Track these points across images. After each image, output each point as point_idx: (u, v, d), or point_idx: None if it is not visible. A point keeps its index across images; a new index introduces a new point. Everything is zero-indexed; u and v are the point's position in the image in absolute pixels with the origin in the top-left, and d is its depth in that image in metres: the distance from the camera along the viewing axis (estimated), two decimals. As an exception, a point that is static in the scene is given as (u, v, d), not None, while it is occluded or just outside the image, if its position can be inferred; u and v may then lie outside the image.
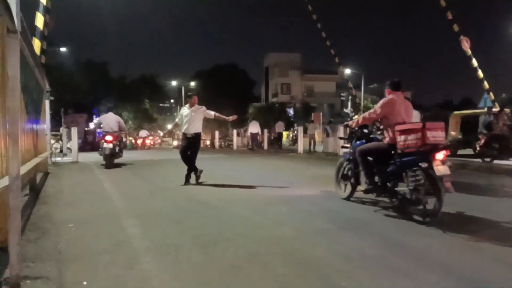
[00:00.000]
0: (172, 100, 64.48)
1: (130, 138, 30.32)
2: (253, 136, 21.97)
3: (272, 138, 24.46)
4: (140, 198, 5.99)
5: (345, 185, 5.84)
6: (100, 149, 11.36)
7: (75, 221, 4.30)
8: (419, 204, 4.47)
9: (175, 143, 27.53)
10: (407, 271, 2.83)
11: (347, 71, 37.76)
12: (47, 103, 9.43)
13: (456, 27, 17.08)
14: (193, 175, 7.39)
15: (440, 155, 4.35)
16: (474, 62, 17.25)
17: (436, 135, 4.46)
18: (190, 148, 7.43)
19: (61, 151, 16.65)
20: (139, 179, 8.45)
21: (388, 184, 4.94)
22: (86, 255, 3.18)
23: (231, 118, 7.80)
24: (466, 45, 17.08)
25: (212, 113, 7.75)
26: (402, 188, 4.71)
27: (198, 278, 2.72)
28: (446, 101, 59.17)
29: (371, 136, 5.48)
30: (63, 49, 32.79)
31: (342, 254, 3.19)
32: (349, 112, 31.07)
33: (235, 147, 24.07)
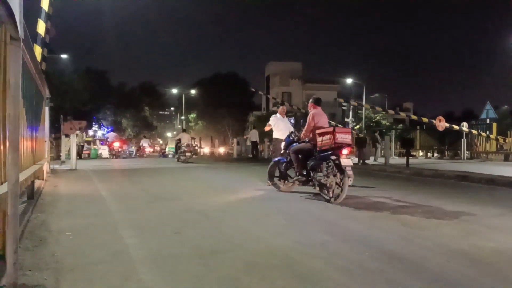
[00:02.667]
0: (172, 108, 64.64)
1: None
2: (254, 144, 22.06)
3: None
4: (138, 207, 5.96)
5: (285, 181, 7.39)
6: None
7: (73, 230, 4.28)
8: (330, 187, 6.06)
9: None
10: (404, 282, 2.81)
11: (349, 80, 37.93)
12: (46, 110, 9.42)
13: (425, 119, 19.20)
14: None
15: (345, 151, 5.95)
16: (457, 126, 18.75)
17: (343, 137, 6.03)
18: None
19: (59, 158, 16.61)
20: (137, 189, 8.42)
21: (311, 174, 6.60)
22: (83, 265, 3.15)
23: None
24: (441, 124, 18.47)
25: None
26: (320, 177, 6.35)
27: (196, 289, 2.70)
28: (447, 113, 59.40)
29: (301, 141, 7.06)
30: (63, 56, 32.91)
31: (341, 266, 3.17)
32: (350, 121, 31.17)
33: (235, 155, 24.04)
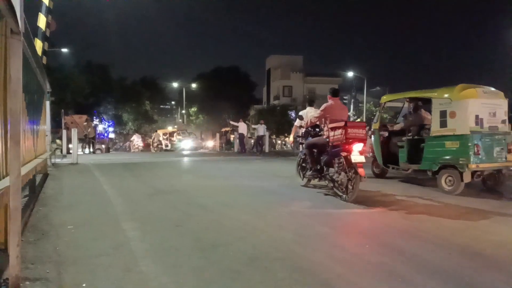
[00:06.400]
0: (173, 102, 64.53)
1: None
2: (241, 137, 20.91)
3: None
4: (139, 200, 5.98)
5: (303, 175, 7.12)
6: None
7: (75, 223, 4.30)
8: (342, 184, 5.76)
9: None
10: (407, 276, 2.82)
11: (350, 74, 37.85)
12: (47, 104, 9.42)
13: None
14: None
15: (356, 147, 5.55)
16: None
17: (356, 131, 5.67)
18: None
19: (61, 151, 16.54)
20: (138, 182, 8.43)
21: (324, 169, 6.32)
22: (85, 258, 3.17)
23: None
24: None
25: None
26: (332, 173, 6.11)
27: (197, 281, 2.72)
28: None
29: (320, 133, 6.69)
30: (64, 50, 32.84)
31: (341, 259, 3.18)
32: (350, 115, 31.25)
33: (235, 149, 24.03)
